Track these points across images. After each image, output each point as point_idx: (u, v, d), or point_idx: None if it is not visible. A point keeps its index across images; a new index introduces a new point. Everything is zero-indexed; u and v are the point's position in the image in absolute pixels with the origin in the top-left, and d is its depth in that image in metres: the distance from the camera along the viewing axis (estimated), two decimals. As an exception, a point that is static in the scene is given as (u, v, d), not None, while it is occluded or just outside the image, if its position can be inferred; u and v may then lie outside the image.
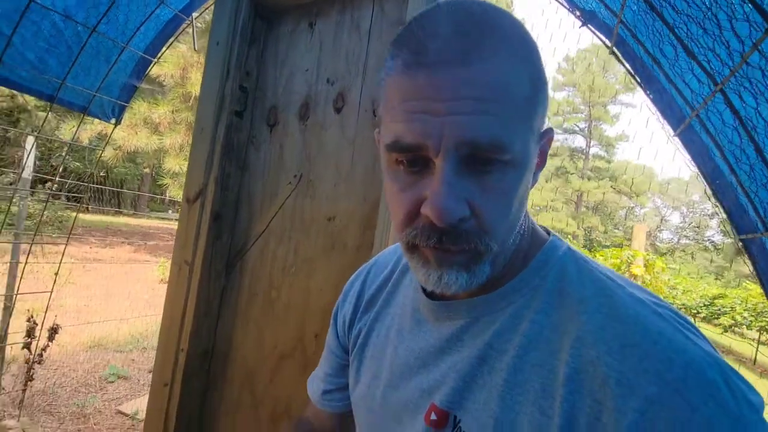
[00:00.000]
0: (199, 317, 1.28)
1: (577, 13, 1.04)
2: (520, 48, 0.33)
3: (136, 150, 8.02)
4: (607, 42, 1.01)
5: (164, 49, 2.08)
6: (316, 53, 1.25)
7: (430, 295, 0.46)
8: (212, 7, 1.73)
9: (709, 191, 0.97)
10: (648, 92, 0.99)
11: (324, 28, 1.24)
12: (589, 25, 1.04)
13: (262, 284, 1.26)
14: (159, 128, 7.86)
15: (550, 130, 0.40)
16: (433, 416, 0.41)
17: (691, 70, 0.82)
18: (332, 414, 0.61)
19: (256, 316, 1.26)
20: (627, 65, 1.00)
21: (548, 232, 0.45)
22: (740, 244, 1.09)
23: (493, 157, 0.32)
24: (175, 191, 8.82)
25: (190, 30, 2.23)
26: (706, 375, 0.30)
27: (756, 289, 7.68)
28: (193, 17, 1.99)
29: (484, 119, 0.31)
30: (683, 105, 0.90)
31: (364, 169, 1.11)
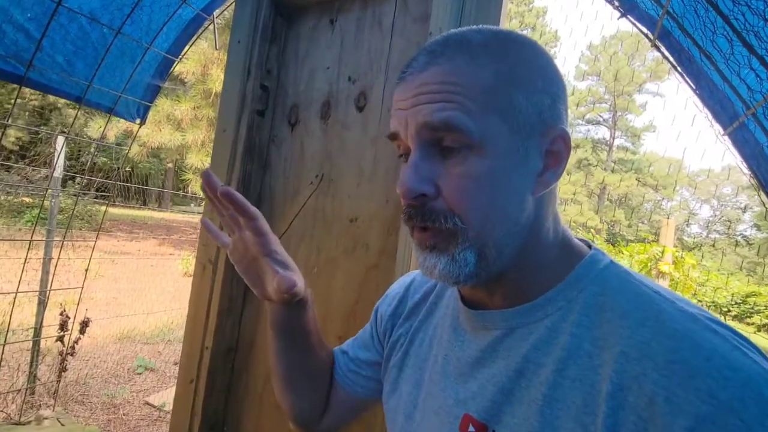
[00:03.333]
0: (223, 315, 1.29)
1: (616, 3, 0.98)
2: (483, 52, 0.38)
3: (159, 146, 8.23)
4: (650, 34, 0.95)
5: (186, 48, 2.10)
6: (337, 51, 1.23)
7: (469, 304, 0.46)
8: (232, 5, 1.72)
9: (763, 194, 0.90)
10: (695, 88, 0.92)
11: (345, 24, 1.22)
12: (628, 16, 0.98)
13: (285, 284, 1.26)
14: (181, 125, 8.03)
15: (558, 130, 0.40)
16: (471, 428, 0.41)
17: (748, 65, 0.75)
18: (343, 391, 0.61)
19: (279, 315, 1.26)
20: (671, 59, 0.94)
21: (589, 246, 0.44)
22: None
23: (450, 138, 0.37)
24: (197, 186, 9.02)
25: (211, 27, 2.25)
26: (766, 394, 0.28)
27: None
28: (215, 15, 1.99)
29: (437, 105, 0.37)
30: (737, 102, 0.84)
31: (386, 169, 1.09)
